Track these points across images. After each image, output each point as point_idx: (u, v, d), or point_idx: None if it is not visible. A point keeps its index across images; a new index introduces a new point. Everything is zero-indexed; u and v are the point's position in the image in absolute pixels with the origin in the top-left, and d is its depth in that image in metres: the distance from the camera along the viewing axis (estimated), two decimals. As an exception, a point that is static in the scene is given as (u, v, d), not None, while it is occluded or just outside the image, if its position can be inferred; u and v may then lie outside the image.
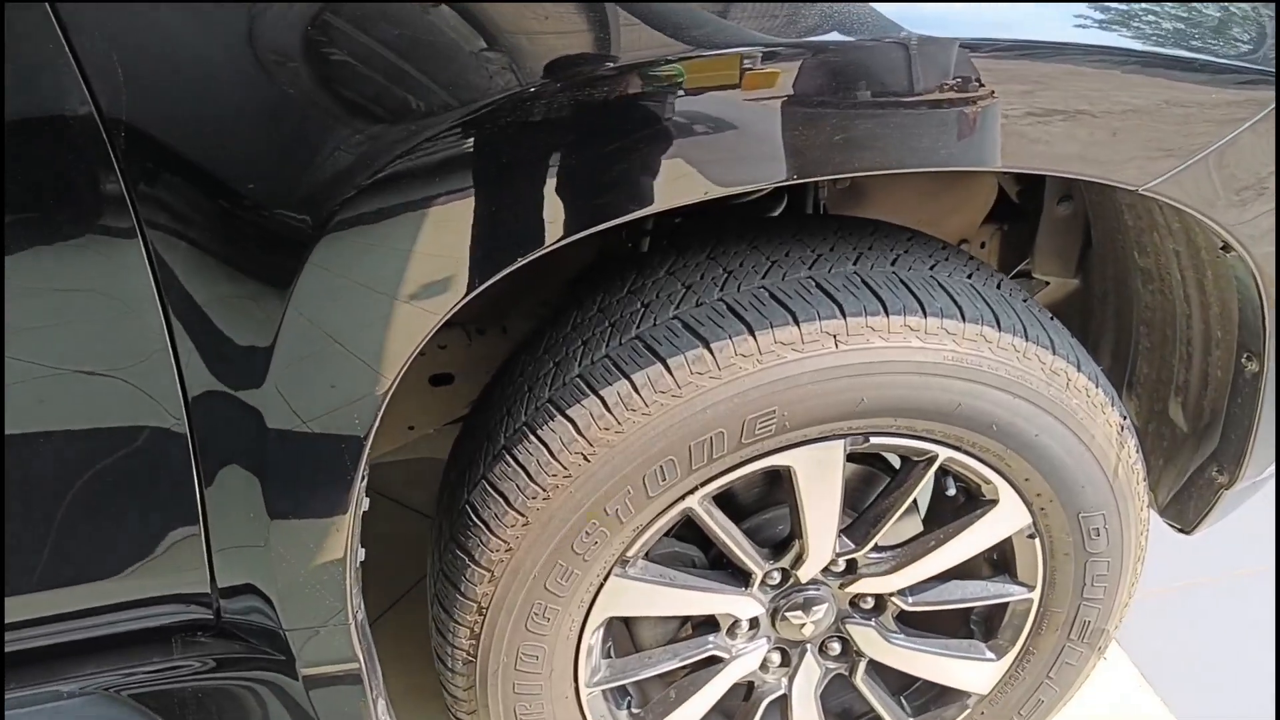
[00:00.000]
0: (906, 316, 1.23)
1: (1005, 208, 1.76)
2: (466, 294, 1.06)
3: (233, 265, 1.02)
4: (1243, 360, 1.40)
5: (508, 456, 1.26)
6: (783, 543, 1.44)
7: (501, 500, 1.25)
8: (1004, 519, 1.42)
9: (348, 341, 1.08)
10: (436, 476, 1.56)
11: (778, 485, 1.50)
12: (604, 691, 1.46)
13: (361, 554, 1.27)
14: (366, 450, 1.14)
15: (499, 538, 1.26)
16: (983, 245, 1.82)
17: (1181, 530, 1.62)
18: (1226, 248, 1.26)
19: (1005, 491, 1.39)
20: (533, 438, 1.24)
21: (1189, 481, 1.58)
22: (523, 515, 1.24)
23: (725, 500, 1.41)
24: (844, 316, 1.22)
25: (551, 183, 1.02)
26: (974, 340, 1.26)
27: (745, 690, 1.58)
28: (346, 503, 1.17)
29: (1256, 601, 2.21)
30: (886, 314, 1.22)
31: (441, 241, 1.03)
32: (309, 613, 1.26)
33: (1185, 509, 1.60)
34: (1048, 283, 1.81)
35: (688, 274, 1.30)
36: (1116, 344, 1.73)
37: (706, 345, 1.20)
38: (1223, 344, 1.47)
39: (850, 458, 1.36)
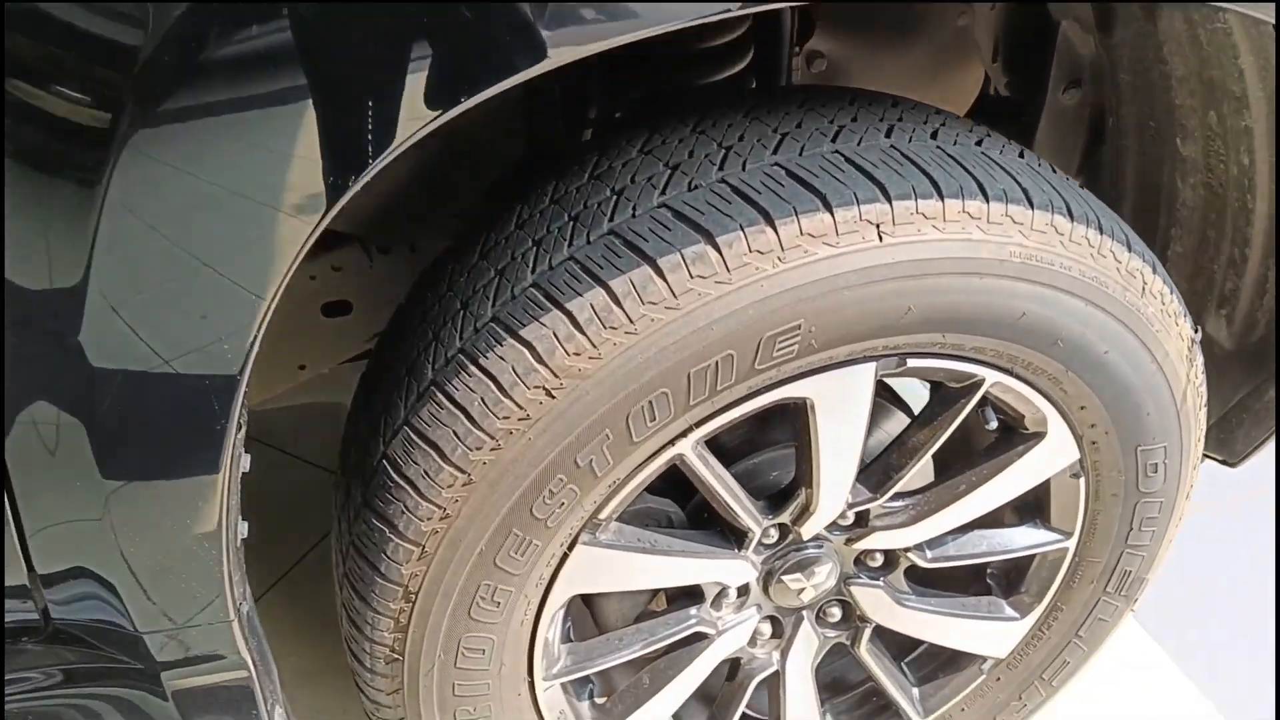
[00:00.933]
0: (965, 200, 0.95)
1: (985, 105, 1.51)
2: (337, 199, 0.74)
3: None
4: (1333, 258, 1.16)
5: (439, 396, 0.94)
6: (781, 493, 1.16)
7: (433, 453, 0.93)
8: (1049, 456, 1.17)
9: (197, 249, 0.75)
10: (326, 421, 1.24)
11: (771, 420, 1.22)
12: (563, 684, 1.17)
13: (244, 530, 0.94)
14: (241, 391, 0.81)
15: (431, 502, 0.94)
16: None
17: (1224, 463, 1.40)
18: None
19: (1055, 422, 1.13)
20: (474, 369, 0.92)
21: (1238, 406, 1.36)
22: (463, 472, 0.93)
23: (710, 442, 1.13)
24: (889, 200, 0.92)
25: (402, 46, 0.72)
26: (1044, 232, 0.98)
27: (729, 669, 1.31)
28: (216, 460, 0.84)
29: (1248, 531, 2.06)
30: (940, 197, 0.94)
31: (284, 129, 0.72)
32: (173, 607, 0.93)
33: (1232, 438, 1.38)
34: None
35: (670, 152, 0.99)
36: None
37: (710, 239, 0.90)
38: (1297, 242, 1.24)
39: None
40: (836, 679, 1.47)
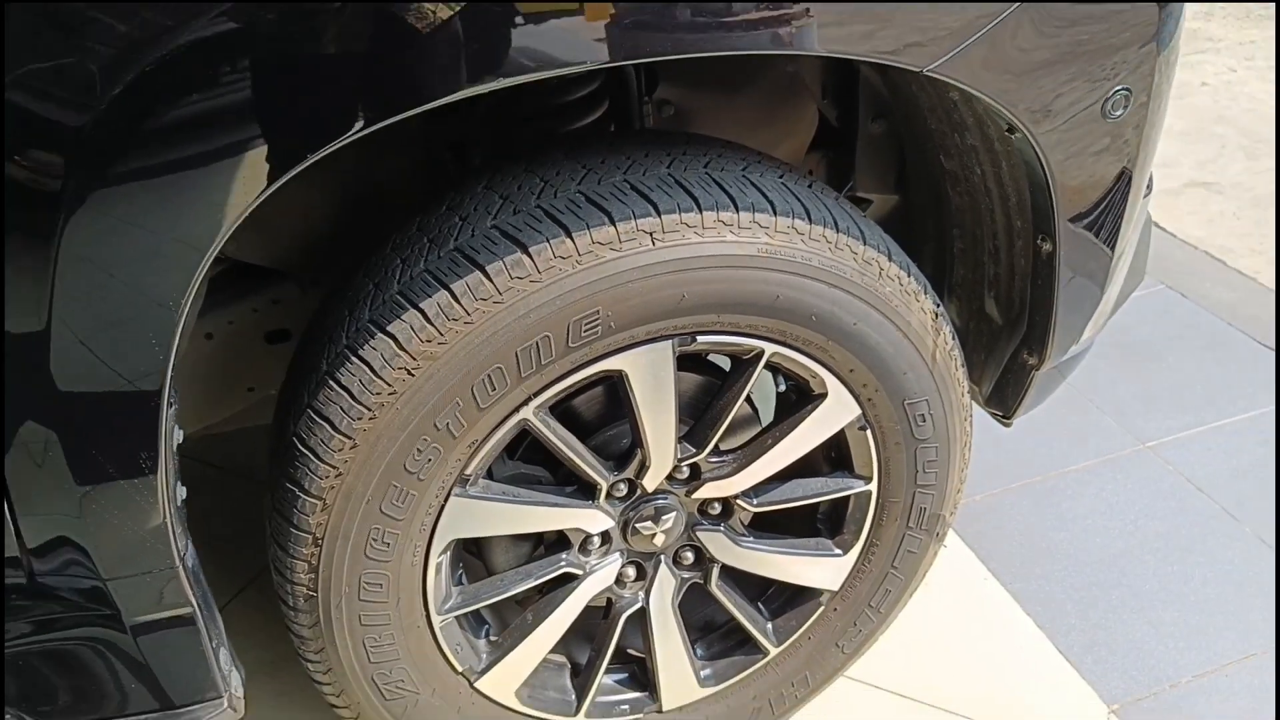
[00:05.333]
0: (719, 212, 1.26)
1: (828, 136, 1.82)
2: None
3: None
4: (1038, 242, 1.48)
5: (330, 381, 1.23)
6: (627, 454, 1.46)
7: (327, 425, 1.22)
8: (834, 412, 1.46)
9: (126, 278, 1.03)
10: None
11: (618, 401, 1.51)
12: (458, 619, 1.45)
13: (183, 493, 1.22)
14: (165, 399, 1.09)
15: (327, 464, 1.23)
16: (810, 172, 1.87)
17: (1004, 418, 1.71)
18: (1012, 129, 1.32)
19: (832, 384, 1.43)
20: (354, 359, 1.22)
21: (1005, 369, 1.67)
22: (349, 438, 1.22)
23: (569, 420, 1.42)
24: (659, 214, 1.23)
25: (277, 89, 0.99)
26: (786, 233, 1.29)
27: (605, 610, 1.59)
28: (154, 464, 1.12)
29: (1080, 494, 2.38)
30: (699, 210, 1.25)
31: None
32: (131, 562, 1.21)
33: (1005, 395, 1.68)
34: (871, 200, 1.87)
35: (505, 186, 1.30)
36: (938, 252, 1.81)
37: (524, 249, 1.20)
38: (1023, 233, 1.55)
39: (686, 365, 1.39)
40: (708, 621, 1.75)
